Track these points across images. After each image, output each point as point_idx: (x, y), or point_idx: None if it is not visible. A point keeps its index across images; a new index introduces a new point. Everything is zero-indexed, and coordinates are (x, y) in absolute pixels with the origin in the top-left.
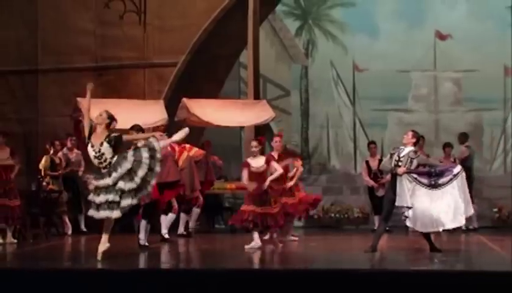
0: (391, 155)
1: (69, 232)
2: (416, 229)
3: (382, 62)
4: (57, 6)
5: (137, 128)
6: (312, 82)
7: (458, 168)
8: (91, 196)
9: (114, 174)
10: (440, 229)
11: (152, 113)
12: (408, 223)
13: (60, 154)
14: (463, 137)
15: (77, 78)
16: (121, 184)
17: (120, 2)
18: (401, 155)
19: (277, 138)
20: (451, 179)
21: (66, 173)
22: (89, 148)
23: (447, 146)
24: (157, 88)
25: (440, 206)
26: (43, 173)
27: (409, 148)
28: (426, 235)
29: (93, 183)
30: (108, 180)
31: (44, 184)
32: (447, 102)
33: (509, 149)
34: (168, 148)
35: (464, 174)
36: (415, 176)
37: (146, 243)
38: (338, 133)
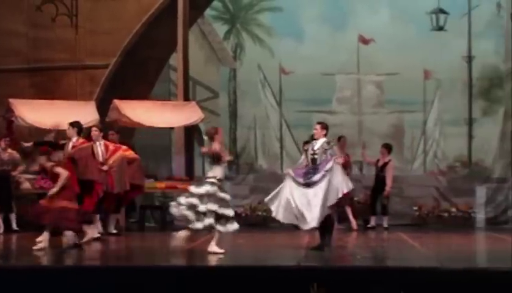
0: (306, 151)
1: (1, 231)
2: (278, 218)
3: (308, 65)
4: None
5: (77, 125)
6: (240, 84)
7: (330, 164)
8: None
9: None
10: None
11: (84, 114)
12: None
13: None
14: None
15: (10, 79)
16: None
17: (52, 5)
18: (315, 148)
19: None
20: (323, 176)
21: None
22: None
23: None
24: (89, 90)
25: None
26: None
27: (322, 140)
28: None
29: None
30: None
31: None
32: (370, 104)
33: (428, 149)
34: (102, 147)
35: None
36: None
37: (77, 241)
38: (265, 134)
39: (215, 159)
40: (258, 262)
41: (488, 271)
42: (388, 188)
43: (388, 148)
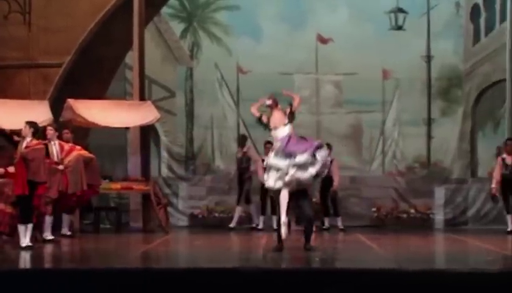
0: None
1: None
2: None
3: (265, 64)
4: None
5: (34, 126)
6: (197, 84)
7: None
8: None
9: None
10: None
11: (37, 113)
12: None
13: None
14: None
15: None
16: None
17: (5, 2)
18: None
19: None
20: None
21: None
22: None
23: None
24: (43, 89)
25: None
26: None
27: None
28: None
29: None
30: None
31: None
32: (328, 104)
33: (387, 150)
34: (57, 147)
35: None
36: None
37: (30, 244)
38: (222, 134)
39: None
40: (214, 264)
41: (446, 272)
42: (336, 183)
43: (329, 147)
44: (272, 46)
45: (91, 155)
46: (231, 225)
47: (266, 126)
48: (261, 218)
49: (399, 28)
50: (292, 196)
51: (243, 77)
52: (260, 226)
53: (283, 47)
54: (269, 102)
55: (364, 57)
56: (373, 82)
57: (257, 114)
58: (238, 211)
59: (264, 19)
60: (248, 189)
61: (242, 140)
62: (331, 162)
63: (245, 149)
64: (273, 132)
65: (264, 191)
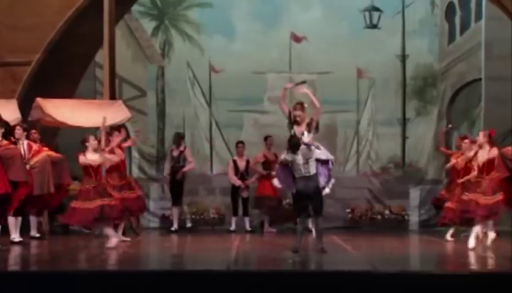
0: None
1: None
2: None
3: (238, 63)
4: None
5: (5, 125)
6: (168, 83)
7: None
8: None
9: None
10: None
11: (5, 112)
12: None
13: None
14: None
15: None
16: None
17: None
18: None
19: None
20: None
21: None
22: None
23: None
24: (11, 87)
25: None
26: None
27: None
28: None
29: None
30: None
31: None
32: None
33: (361, 150)
34: (25, 147)
35: None
36: None
37: None
38: (194, 134)
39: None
40: (185, 267)
41: (421, 274)
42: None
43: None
44: (245, 44)
45: (59, 155)
46: (173, 228)
47: (293, 125)
48: (234, 219)
49: (374, 26)
50: None
51: (216, 76)
52: (233, 228)
53: (256, 46)
54: (289, 85)
55: (338, 56)
56: (347, 81)
57: (287, 110)
58: (175, 213)
59: (237, 17)
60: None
61: (177, 139)
62: None
63: (181, 148)
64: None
65: (235, 192)
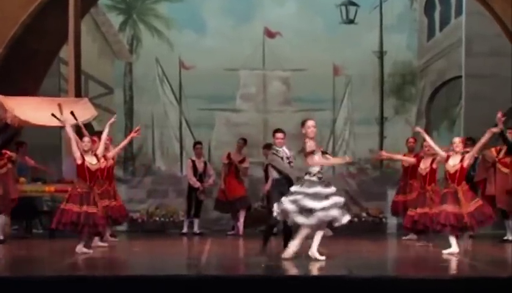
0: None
1: None
2: None
3: (210, 60)
4: None
5: None
6: (136, 80)
7: None
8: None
9: None
10: None
11: None
12: None
13: None
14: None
15: None
16: None
17: None
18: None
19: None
20: None
21: None
22: None
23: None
24: None
25: None
26: None
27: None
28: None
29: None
30: None
31: None
32: (276, 101)
33: (338, 150)
34: None
35: None
36: None
37: None
38: (163, 133)
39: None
40: (154, 272)
41: (399, 279)
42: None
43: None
44: (217, 40)
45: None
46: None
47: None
48: (186, 221)
49: (351, 22)
50: None
51: (186, 73)
52: (185, 230)
53: (228, 42)
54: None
55: (313, 52)
56: (323, 78)
57: None
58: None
59: (208, 12)
60: None
61: None
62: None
63: None
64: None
65: (191, 193)
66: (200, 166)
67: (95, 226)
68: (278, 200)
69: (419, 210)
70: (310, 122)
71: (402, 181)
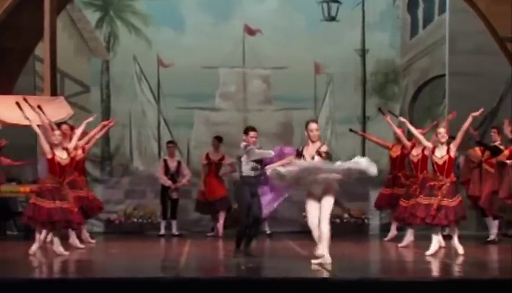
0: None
1: None
2: None
3: (188, 57)
4: None
5: None
6: (114, 78)
7: None
8: None
9: None
10: None
11: None
12: None
13: None
14: None
15: None
16: None
17: None
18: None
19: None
20: None
21: None
22: None
23: None
24: None
25: None
26: None
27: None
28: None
29: None
30: None
31: None
32: (256, 100)
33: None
34: None
35: None
36: None
37: None
38: (141, 133)
39: None
40: (131, 274)
41: (382, 281)
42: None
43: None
44: (196, 37)
45: None
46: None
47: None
48: (163, 223)
49: (332, 19)
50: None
51: (164, 71)
52: (162, 232)
53: (207, 39)
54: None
55: (294, 49)
56: (304, 76)
57: None
58: None
59: (187, 8)
60: None
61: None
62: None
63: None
64: None
65: (164, 194)
66: (172, 165)
67: (69, 221)
68: (249, 199)
69: (412, 201)
70: (313, 126)
71: (391, 174)
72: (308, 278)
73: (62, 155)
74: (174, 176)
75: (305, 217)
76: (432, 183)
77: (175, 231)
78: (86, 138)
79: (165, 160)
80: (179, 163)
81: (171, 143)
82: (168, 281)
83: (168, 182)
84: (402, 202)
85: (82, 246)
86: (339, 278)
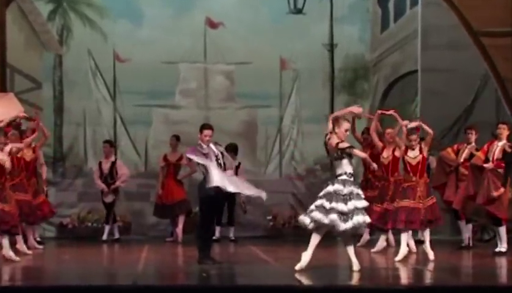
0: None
1: None
2: None
3: (147, 52)
4: None
5: None
6: (67, 73)
7: None
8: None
9: None
10: None
11: None
12: None
13: None
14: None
15: None
16: None
17: None
18: None
19: None
20: None
21: None
22: None
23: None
24: None
25: None
26: None
27: None
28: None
29: None
30: None
31: None
32: (218, 97)
33: (285, 150)
34: None
35: None
36: None
37: None
38: (96, 132)
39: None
40: (85, 282)
41: (351, 289)
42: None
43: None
44: (154, 30)
45: None
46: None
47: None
48: (106, 227)
49: (299, 12)
50: None
51: (121, 66)
52: (105, 237)
53: (166, 33)
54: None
55: (259, 44)
56: (269, 72)
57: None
58: None
59: (145, 0)
60: None
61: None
62: (238, 166)
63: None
64: None
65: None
66: (105, 167)
67: (5, 223)
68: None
69: (386, 205)
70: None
71: (363, 177)
72: (273, 286)
73: (1, 157)
74: (107, 178)
75: (270, 221)
76: (405, 185)
77: (116, 235)
78: (28, 140)
79: (100, 163)
80: (113, 163)
81: (106, 142)
82: (124, 289)
83: (101, 186)
84: (375, 207)
85: (29, 252)
86: (306, 286)
